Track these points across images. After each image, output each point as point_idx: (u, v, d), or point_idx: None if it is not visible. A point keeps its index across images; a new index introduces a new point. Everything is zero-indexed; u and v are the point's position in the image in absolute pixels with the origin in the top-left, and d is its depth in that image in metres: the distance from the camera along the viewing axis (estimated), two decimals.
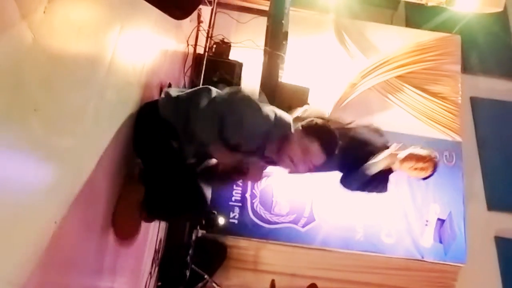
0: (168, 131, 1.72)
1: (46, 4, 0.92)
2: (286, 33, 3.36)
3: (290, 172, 1.84)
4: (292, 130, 1.71)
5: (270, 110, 1.69)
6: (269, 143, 1.69)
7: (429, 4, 4.31)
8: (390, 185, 2.60)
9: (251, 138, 1.64)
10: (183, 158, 1.76)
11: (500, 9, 4.07)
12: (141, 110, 1.86)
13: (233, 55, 4.05)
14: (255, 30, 3.95)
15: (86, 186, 1.34)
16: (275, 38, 3.23)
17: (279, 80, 3.24)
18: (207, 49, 3.70)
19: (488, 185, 4.89)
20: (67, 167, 1.16)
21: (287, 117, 1.74)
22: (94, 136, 1.38)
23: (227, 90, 1.75)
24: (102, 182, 1.56)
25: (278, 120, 1.68)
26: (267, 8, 3.77)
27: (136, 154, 1.87)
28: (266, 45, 3.27)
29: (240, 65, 3.88)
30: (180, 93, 1.80)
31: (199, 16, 3.55)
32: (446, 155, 4.88)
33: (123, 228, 1.88)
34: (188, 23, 3.25)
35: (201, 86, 1.93)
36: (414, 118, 5.03)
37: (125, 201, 1.78)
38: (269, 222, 4.46)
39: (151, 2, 1.29)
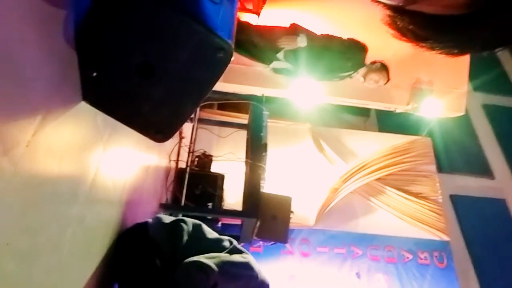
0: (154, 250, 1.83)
1: (30, 138, 0.94)
2: (266, 145, 3.48)
3: None
4: None
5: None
6: None
7: (397, 111, 4.60)
8: None
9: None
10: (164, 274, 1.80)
11: (461, 113, 4.35)
12: (128, 231, 1.93)
13: (215, 168, 4.12)
14: (235, 143, 4.08)
15: None
16: (255, 150, 3.32)
17: (261, 190, 3.26)
18: (189, 164, 3.76)
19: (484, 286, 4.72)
20: None
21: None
22: (70, 267, 1.31)
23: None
24: None
25: None
26: (246, 122, 3.95)
27: (115, 276, 1.79)
28: (247, 157, 3.35)
29: (222, 177, 3.93)
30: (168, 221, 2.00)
31: (180, 132, 3.68)
32: (436, 256, 4.78)
33: None
34: (170, 140, 3.34)
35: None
36: (399, 220, 5.02)
37: None
38: None
39: (133, 127, 1.33)
